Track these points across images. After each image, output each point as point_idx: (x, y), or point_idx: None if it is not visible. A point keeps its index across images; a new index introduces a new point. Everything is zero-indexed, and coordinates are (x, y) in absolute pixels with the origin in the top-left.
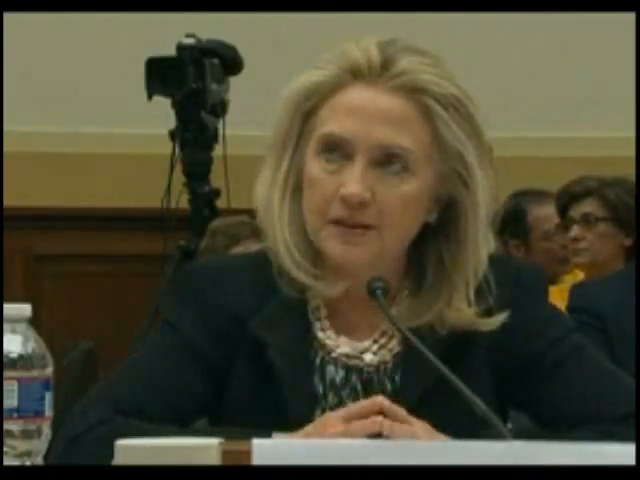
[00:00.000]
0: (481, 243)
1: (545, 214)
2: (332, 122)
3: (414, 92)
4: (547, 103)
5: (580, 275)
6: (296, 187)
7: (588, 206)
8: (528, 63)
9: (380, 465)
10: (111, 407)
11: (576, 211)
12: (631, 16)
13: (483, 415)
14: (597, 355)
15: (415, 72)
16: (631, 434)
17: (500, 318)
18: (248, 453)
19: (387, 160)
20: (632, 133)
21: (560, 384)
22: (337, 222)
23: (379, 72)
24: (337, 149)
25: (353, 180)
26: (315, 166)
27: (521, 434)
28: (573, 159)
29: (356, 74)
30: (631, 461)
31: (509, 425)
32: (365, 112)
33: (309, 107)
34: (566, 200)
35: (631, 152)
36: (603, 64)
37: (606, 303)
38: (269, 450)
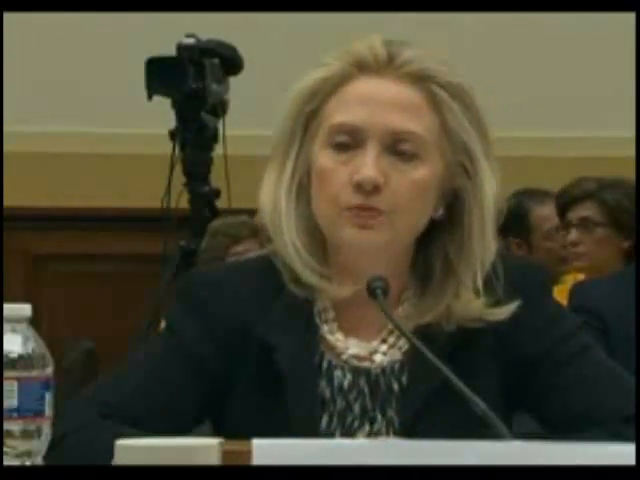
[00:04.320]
0: (489, 233)
1: (546, 214)
2: (341, 112)
3: (421, 80)
4: (547, 103)
5: (580, 275)
6: (302, 188)
7: (586, 210)
8: (528, 63)
9: (380, 465)
10: (95, 410)
11: (575, 214)
12: (631, 16)
13: (483, 415)
14: (602, 355)
15: (420, 61)
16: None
17: (510, 308)
18: (248, 453)
19: (398, 146)
20: (632, 133)
21: (564, 384)
22: (351, 210)
23: (385, 63)
24: (348, 138)
25: (366, 165)
26: (325, 157)
27: (522, 436)
28: (573, 159)
29: (362, 67)
30: (631, 461)
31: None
32: (374, 100)
33: (313, 106)
34: (565, 202)
35: (631, 152)
36: (603, 64)
37: (607, 303)
38: (269, 450)
